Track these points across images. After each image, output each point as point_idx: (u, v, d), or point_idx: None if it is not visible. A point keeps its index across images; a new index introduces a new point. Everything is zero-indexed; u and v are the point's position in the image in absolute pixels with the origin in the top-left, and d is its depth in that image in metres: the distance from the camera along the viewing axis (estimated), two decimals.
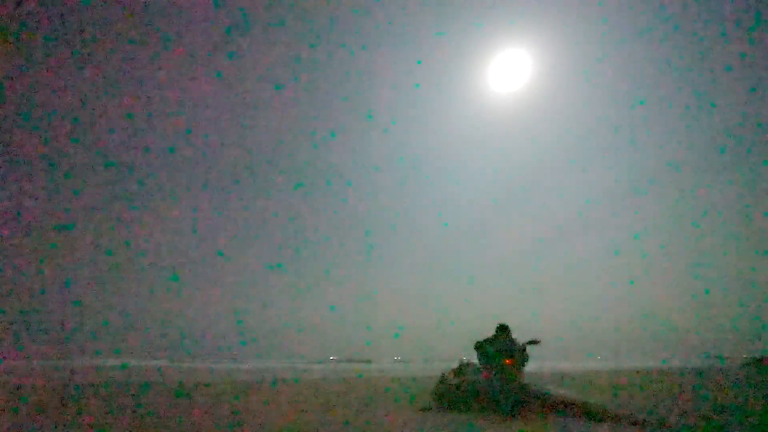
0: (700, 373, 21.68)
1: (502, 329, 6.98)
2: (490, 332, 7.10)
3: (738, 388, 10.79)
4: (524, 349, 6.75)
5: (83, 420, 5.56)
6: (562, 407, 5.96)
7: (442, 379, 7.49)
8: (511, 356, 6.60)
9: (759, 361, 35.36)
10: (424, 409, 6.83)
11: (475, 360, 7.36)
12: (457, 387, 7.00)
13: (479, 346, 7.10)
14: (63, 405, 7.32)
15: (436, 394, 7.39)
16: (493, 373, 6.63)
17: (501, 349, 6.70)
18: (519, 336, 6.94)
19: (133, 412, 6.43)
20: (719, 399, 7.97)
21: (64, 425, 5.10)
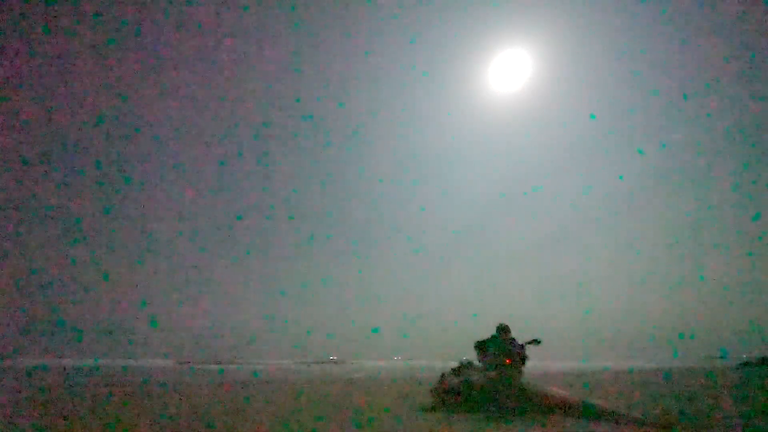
0: (700, 373, 21.68)
1: (502, 329, 6.97)
2: (490, 332, 7.10)
3: (737, 388, 10.79)
4: (524, 349, 6.74)
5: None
6: (562, 407, 5.96)
7: (442, 379, 7.49)
8: (511, 356, 6.59)
9: (759, 361, 35.38)
10: (424, 409, 6.83)
11: (475, 360, 7.36)
12: (457, 387, 7.00)
13: (479, 346, 7.10)
14: (51, 406, 7.32)
15: (436, 394, 7.38)
16: (493, 373, 6.63)
17: (501, 349, 6.70)
18: (519, 336, 6.93)
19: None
20: (718, 399, 7.97)
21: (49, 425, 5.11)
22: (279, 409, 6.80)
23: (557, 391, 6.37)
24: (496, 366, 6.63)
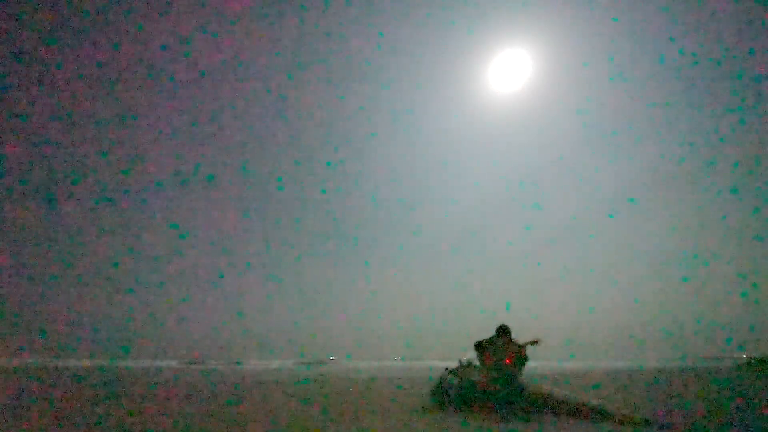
0: (700, 373, 21.68)
1: (502, 329, 6.98)
2: (490, 332, 7.11)
3: (737, 388, 10.80)
4: (524, 350, 6.75)
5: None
6: (562, 407, 5.97)
7: (442, 379, 7.49)
8: (511, 356, 6.60)
9: (759, 361, 35.41)
10: (424, 410, 6.83)
11: (475, 360, 7.36)
12: (457, 387, 7.00)
13: (479, 346, 7.11)
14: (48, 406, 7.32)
15: (436, 394, 7.39)
16: (493, 373, 6.64)
17: (501, 349, 6.71)
18: (519, 336, 6.94)
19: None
20: (718, 399, 7.97)
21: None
22: (278, 411, 6.81)
23: (557, 391, 6.38)
24: (496, 366, 6.64)
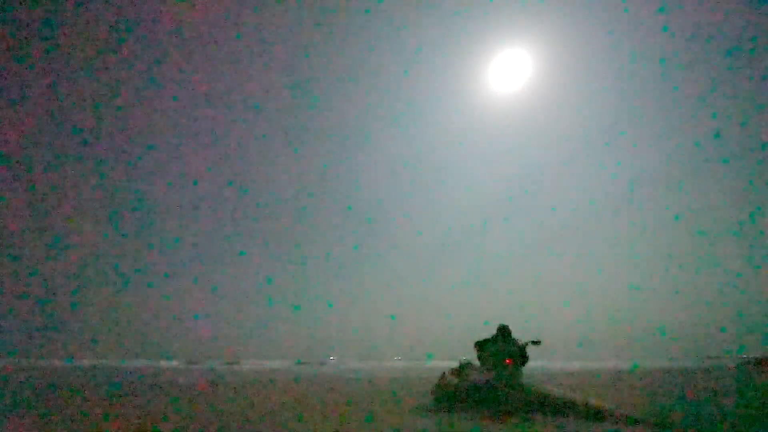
0: (700, 373, 21.69)
1: (503, 329, 6.99)
2: (491, 332, 7.11)
3: (737, 388, 10.81)
4: (524, 349, 6.76)
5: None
6: (562, 407, 5.98)
7: (442, 379, 7.50)
8: (511, 356, 6.61)
9: (758, 361, 35.43)
10: (424, 410, 6.84)
11: (475, 360, 7.37)
12: (457, 387, 7.01)
13: (479, 346, 7.11)
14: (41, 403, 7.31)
15: (436, 394, 7.40)
16: (493, 373, 6.64)
17: (501, 349, 6.71)
18: (519, 336, 6.95)
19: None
20: (718, 399, 7.98)
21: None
22: (279, 411, 6.81)
23: (557, 391, 6.38)
24: (496, 366, 6.65)
